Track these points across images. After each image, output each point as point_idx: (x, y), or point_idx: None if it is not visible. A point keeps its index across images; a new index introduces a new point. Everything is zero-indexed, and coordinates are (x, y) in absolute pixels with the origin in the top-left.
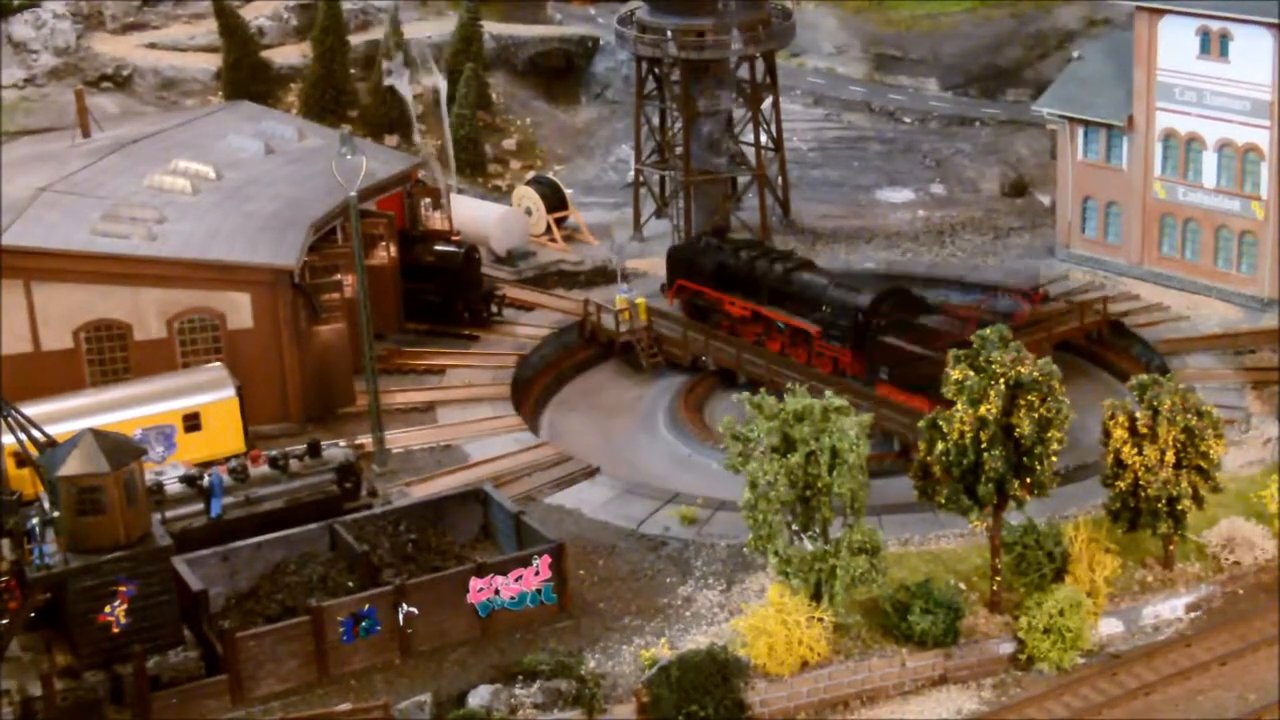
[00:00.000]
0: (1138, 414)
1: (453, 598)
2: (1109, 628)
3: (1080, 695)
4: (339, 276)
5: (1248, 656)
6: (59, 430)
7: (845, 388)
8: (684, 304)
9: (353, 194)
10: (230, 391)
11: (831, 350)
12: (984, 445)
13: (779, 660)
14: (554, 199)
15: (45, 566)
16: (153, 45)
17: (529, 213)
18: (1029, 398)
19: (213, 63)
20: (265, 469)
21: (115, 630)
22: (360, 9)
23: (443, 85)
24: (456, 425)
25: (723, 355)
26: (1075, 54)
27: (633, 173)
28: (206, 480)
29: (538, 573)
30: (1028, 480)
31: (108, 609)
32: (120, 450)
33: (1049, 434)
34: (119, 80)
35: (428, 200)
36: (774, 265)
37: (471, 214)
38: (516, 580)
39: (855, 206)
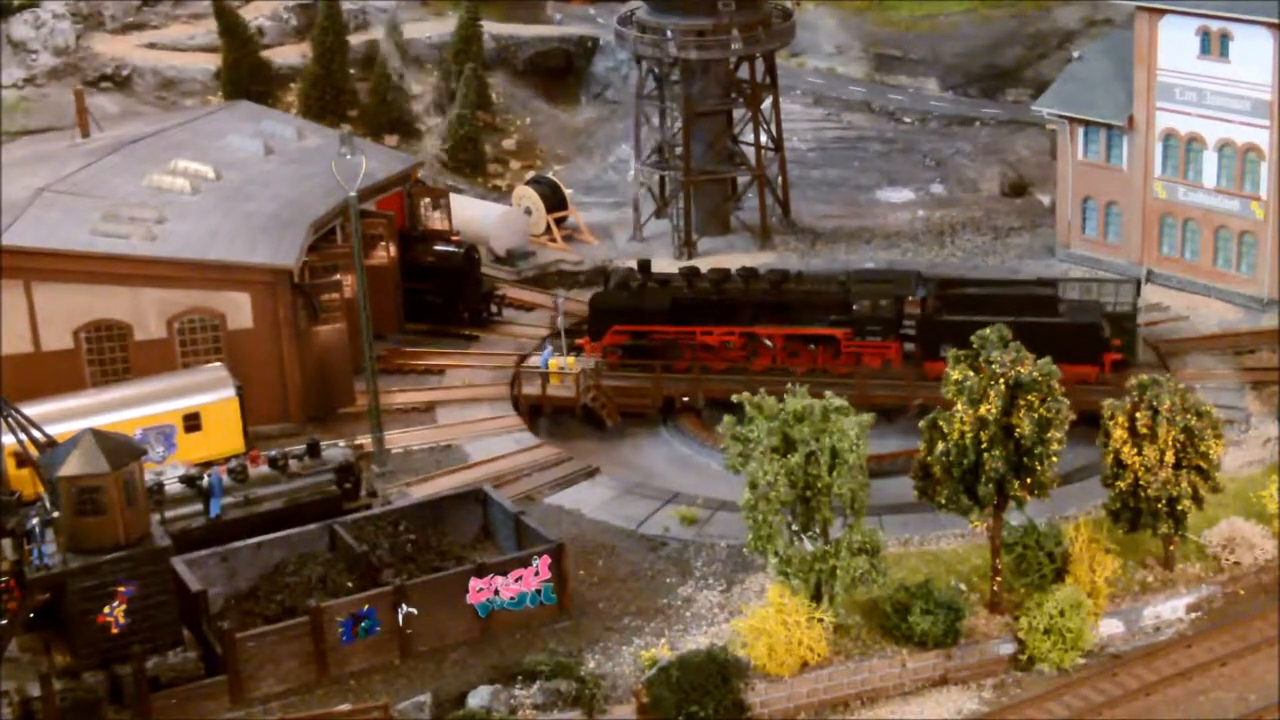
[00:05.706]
0: (1137, 414)
1: (452, 598)
2: (1109, 628)
3: (1080, 696)
4: (339, 276)
5: (1248, 657)
6: (59, 430)
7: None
8: (615, 349)
9: (352, 194)
10: (230, 392)
11: (864, 347)
12: (984, 445)
13: (779, 661)
14: (554, 199)
15: (45, 566)
16: (152, 45)
17: (529, 213)
18: (1029, 398)
19: (212, 63)
20: (265, 469)
21: (114, 630)
22: (360, 9)
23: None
24: (456, 425)
25: (721, 387)
26: (1075, 54)
27: (633, 173)
28: (206, 481)
29: (537, 573)
30: (1028, 480)
31: (107, 609)
32: (120, 450)
33: (1049, 434)
34: (119, 80)
35: (428, 200)
36: (750, 284)
37: (471, 214)
38: (516, 580)
39: (855, 206)
